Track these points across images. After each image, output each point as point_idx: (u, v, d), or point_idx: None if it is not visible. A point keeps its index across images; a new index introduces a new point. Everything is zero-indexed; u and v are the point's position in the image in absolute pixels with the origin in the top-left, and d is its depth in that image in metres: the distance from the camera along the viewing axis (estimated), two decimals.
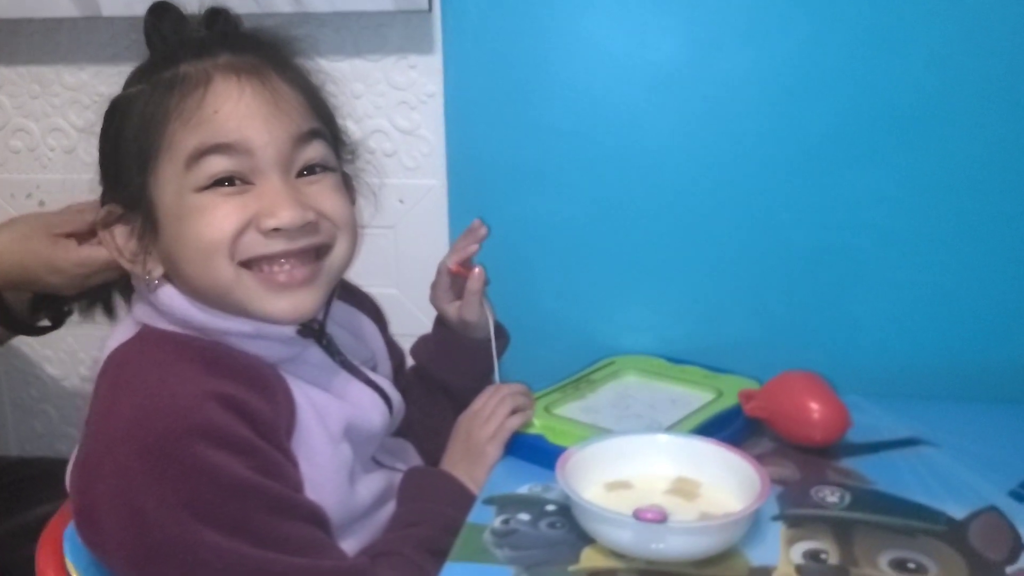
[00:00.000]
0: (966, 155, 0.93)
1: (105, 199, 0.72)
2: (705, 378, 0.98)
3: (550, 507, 0.74)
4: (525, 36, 0.99)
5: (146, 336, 0.70)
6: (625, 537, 0.65)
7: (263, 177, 0.68)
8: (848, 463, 0.82)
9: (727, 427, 0.86)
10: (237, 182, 0.67)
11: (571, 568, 0.66)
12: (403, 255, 1.10)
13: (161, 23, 0.71)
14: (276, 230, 0.67)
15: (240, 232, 0.67)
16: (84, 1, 1.01)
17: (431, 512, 0.75)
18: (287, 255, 0.68)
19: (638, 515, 0.64)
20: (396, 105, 1.05)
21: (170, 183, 0.67)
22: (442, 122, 1.04)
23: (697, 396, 0.94)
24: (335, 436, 0.72)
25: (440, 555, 0.68)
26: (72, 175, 0.77)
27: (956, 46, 0.91)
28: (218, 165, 0.66)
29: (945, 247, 0.96)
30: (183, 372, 0.66)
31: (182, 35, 0.71)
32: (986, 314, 0.97)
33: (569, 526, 0.71)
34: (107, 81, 0.73)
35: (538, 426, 0.86)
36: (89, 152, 0.74)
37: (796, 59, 0.94)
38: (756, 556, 0.67)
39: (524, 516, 0.73)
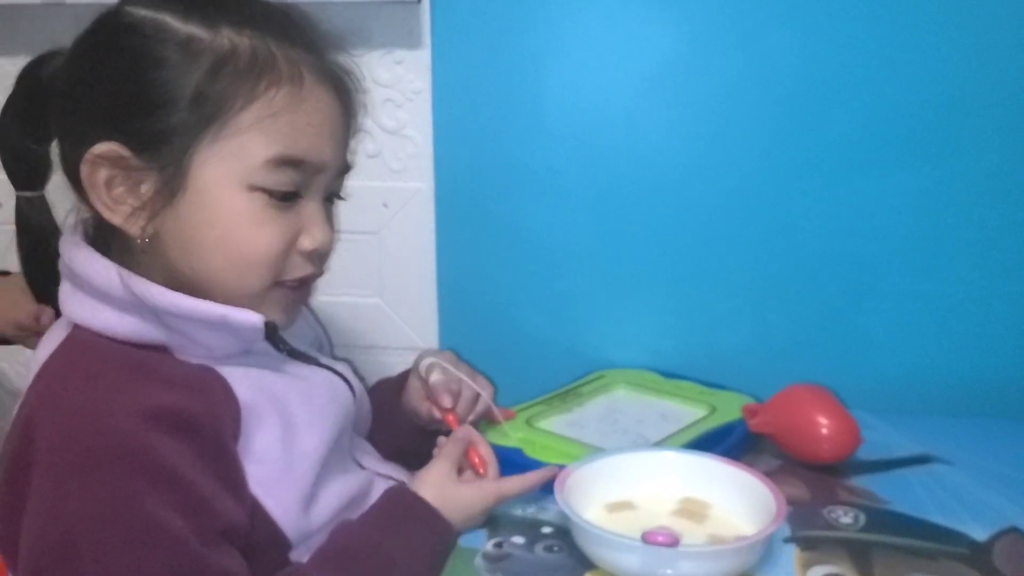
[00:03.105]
0: (983, 162, 0.91)
1: (94, 132, 0.63)
2: (700, 394, 0.95)
3: (546, 529, 0.71)
4: (518, 31, 0.95)
5: (76, 342, 0.65)
6: (632, 562, 0.61)
7: (309, 197, 0.68)
8: (858, 481, 0.79)
9: (720, 444, 0.82)
10: (295, 195, 0.66)
11: None
12: (387, 263, 1.05)
13: None
14: (312, 251, 0.68)
15: (286, 252, 0.67)
16: None
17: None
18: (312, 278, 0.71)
19: (647, 539, 0.60)
20: (381, 103, 1.01)
21: (221, 165, 0.63)
22: (430, 121, 1.00)
23: (689, 412, 0.91)
24: (292, 424, 0.67)
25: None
26: None
27: (973, 53, 0.89)
28: (290, 175, 0.65)
29: (959, 258, 0.94)
30: (113, 384, 0.61)
31: None
32: (1000, 327, 0.95)
33: (568, 549, 0.67)
34: None
35: (516, 439, 0.82)
36: None
37: (801, 59, 0.91)
38: None
39: (518, 539, 0.70)
